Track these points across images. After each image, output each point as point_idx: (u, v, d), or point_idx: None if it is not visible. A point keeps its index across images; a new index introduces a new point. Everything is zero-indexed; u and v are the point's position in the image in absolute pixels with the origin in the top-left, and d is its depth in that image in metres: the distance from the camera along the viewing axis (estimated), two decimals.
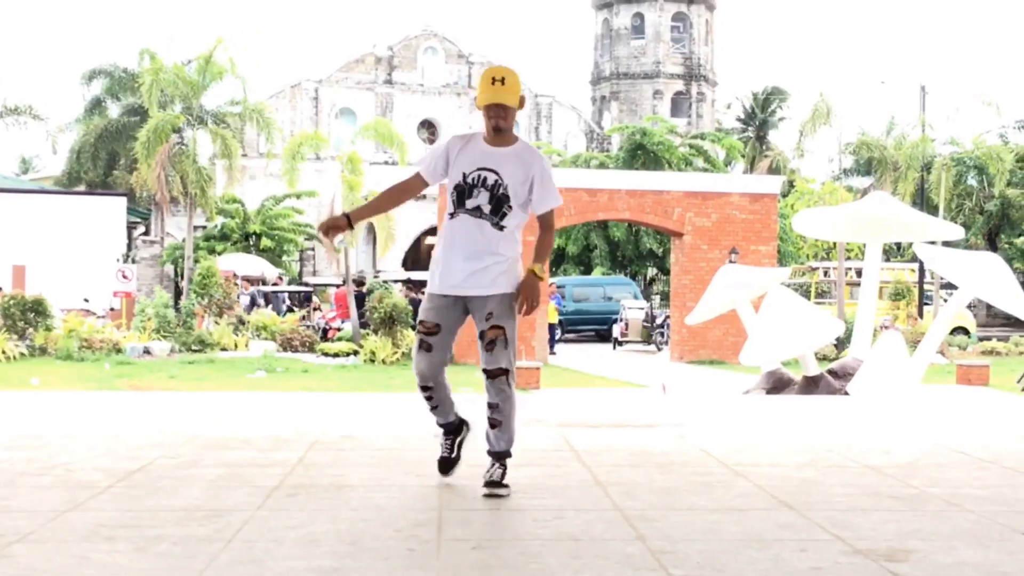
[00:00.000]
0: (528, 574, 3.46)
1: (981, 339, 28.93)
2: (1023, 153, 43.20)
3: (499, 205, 4.64)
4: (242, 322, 24.91)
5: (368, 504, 4.44)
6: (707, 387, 18.34)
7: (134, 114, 42.54)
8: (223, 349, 22.77)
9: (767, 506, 4.55)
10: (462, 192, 4.68)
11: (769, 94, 60.97)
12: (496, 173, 4.65)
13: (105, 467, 5.21)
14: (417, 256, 49.43)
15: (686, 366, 23.48)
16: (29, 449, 5.73)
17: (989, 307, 39.17)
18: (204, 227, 40.48)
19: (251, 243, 40.61)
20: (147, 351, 21.67)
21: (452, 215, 4.71)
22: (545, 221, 4.76)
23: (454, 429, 4.91)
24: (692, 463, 5.62)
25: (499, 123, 4.66)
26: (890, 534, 4.05)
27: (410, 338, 22.22)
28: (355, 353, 22.20)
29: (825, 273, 36.48)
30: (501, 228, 4.64)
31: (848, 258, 32.05)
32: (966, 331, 29.99)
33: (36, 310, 22.02)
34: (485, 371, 4.66)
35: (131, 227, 39.95)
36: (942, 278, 29.67)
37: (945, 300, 27.91)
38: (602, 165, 40.76)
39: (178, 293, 33.48)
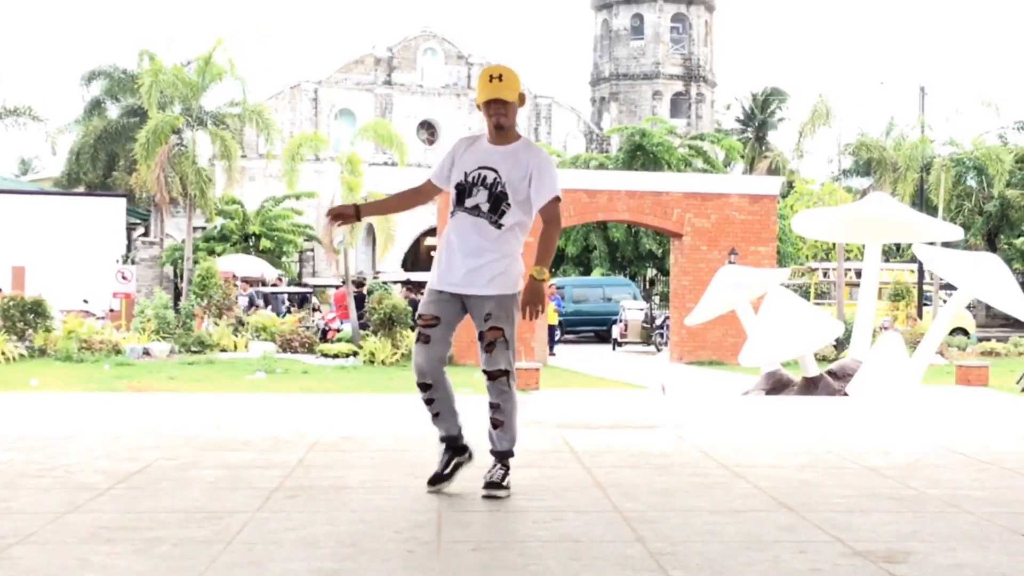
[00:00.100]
0: None
1: (980, 340, 28.95)
2: (1022, 154, 43.23)
3: (497, 203, 4.64)
4: (241, 323, 24.91)
5: (368, 506, 4.45)
6: (706, 388, 18.35)
7: (133, 115, 42.53)
8: (223, 350, 22.78)
9: (766, 507, 4.55)
10: (462, 191, 4.70)
11: (768, 95, 61.00)
12: (495, 171, 4.65)
13: (105, 469, 5.21)
14: (417, 257, 49.44)
15: (685, 367, 23.48)
16: (29, 450, 5.73)
17: (988, 308, 39.20)
18: (203, 228, 40.48)
19: (251, 244, 40.62)
20: (147, 352, 21.67)
21: (452, 214, 4.73)
22: (546, 215, 4.66)
23: (456, 447, 4.79)
24: (691, 464, 5.63)
25: (500, 120, 4.65)
26: (889, 535, 4.05)
27: (410, 339, 22.21)
28: (354, 354, 22.20)
29: (824, 274, 36.48)
30: (499, 226, 4.63)
31: (847, 259, 32.05)
32: (965, 332, 30.00)
33: (36, 311, 22.02)
34: (485, 372, 4.67)
35: (130, 228, 39.96)
36: (941, 279, 29.68)
37: (944, 301, 27.90)
38: (601, 166, 40.76)
39: (177, 294, 33.47)
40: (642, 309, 30.56)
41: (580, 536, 3.99)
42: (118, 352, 21.39)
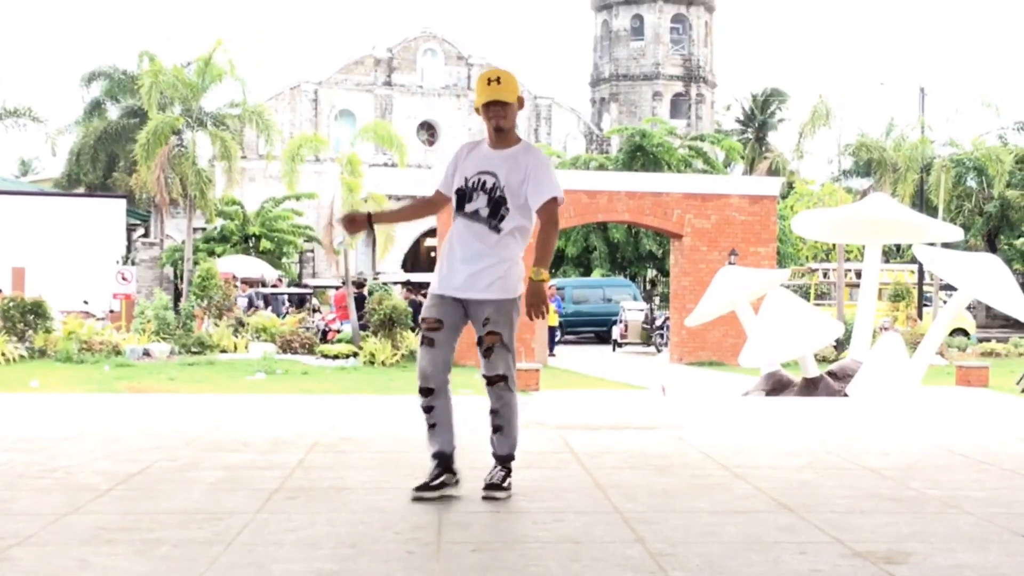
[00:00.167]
0: None
1: (980, 340, 28.95)
2: (1022, 154, 43.23)
3: (497, 208, 4.64)
4: (241, 324, 24.92)
5: (368, 507, 4.45)
6: (706, 389, 18.34)
7: (133, 116, 42.53)
8: (223, 351, 22.78)
9: (766, 508, 4.55)
10: (462, 196, 4.70)
11: (768, 96, 60.99)
12: (495, 175, 4.65)
13: (105, 470, 5.21)
14: (417, 258, 49.44)
15: (685, 367, 23.48)
16: (29, 452, 5.73)
17: (988, 308, 39.20)
18: (204, 229, 40.48)
19: (251, 245, 40.62)
20: (147, 353, 21.66)
21: (454, 219, 4.75)
22: (543, 216, 4.63)
23: (446, 466, 4.65)
24: (692, 465, 5.63)
25: (499, 122, 4.65)
26: (889, 536, 4.05)
27: (410, 340, 22.22)
28: (355, 355, 22.20)
29: (824, 274, 36.49)
30: (499, 231, 4.64)
31: (847, 259, 32.05)
32: (965, 332, 30.00)
33: (36, 312, 22.03)
34: (484, 377, 4.67)
35: (131, 229, 39.95)
36: (941, 279, 29.68)
37: (944, 301, 27.90)
38: (601, 167, 40.75)
39: (178, 295, 33.47)
40: (642, 310, 30.56)
41: (580, 537, 3.99)
42: (118, 353, 21.39)
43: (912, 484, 5.14)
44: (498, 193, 4.64)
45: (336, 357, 22.25)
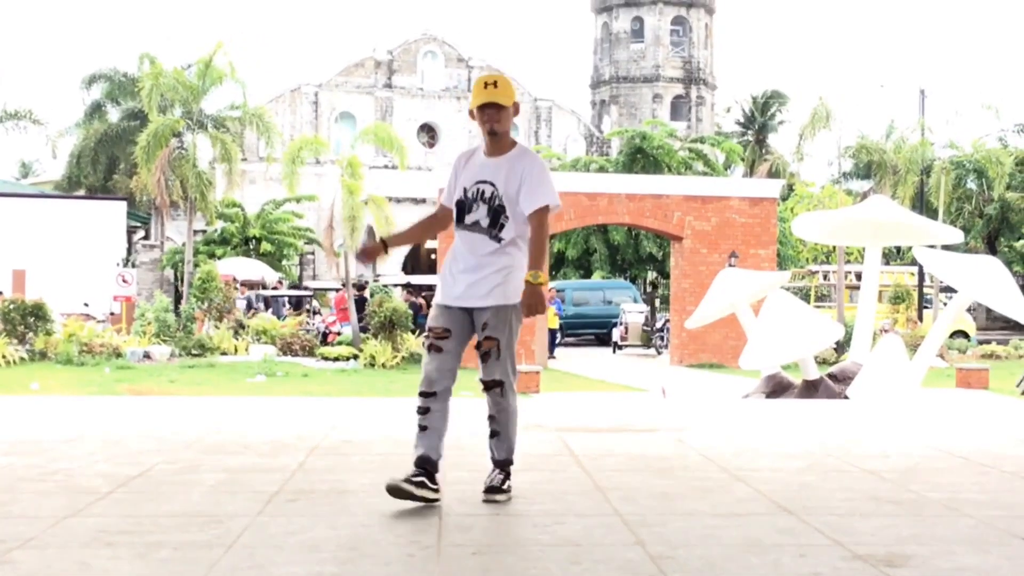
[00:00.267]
0: None
1: (981, 343, 28.95)
2: (1022, 157, 43.23)
3: (496, 217, 4.65)
4: (242, 326, 24.92)
5: (368, 509, 4.45)
6: (707, 391, 18.35)
7: (134, 118, 42.52)
8: (223, 353, 22.78)
9: (767, 511, 4.56)
10: (462, 208, 4.71)
11: (768, 98, 60.97)
12: (492, 184, 4.65)
13: (105, 472, 5.22)
14: (417, 260, 49.42)
15: (686, 370, 23.48)
16: (29, 454, 5.74)
17: (989, 310, 39.16)
18: (204, 231, 40.45)
19: (251, 247, 40.59)
20: (147, 355, 21.67)
21: (455, 231, 4.76)
22: (533, 221, 4.61)
23: (427, 474, 4.51)
24: (692, 468, 5.63)
25: (493, 126, 4.63)
26: (889, 539, 4.06)
27: (410, 342, 22.23)
28: (355, 357, 22.20)
29: (825, 277, 36.49)
30: (499, 240, 4.65)
31: (848, 262, 32.06)
32: (966, 335, 30.01)
33: (36, 314, 22.03)
34: (481, 382, 4.67)
35: (131, 231, 39.98)
36: (941, 282, 29.68)
37: (945, 304, 27.92)
38: (602, 169, 40.71)
39: (178, 297, 33.47)
40: (642, 312, 30.56)
41: (580, 540, 3.99)
42: (118, 355, 21.40)
43: (912, 486, 5.14)
44: (497, 202, 4.64)
45: (336, 359, 22.26)
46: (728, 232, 25.04)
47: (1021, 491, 5.18)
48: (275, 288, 35.07)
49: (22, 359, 20.88)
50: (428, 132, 54.22)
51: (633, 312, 30.25)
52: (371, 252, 4.90)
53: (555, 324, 27.10)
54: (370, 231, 27.82)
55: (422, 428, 4.60)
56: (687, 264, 24.99)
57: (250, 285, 32.96)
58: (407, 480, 4.46)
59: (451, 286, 4.70)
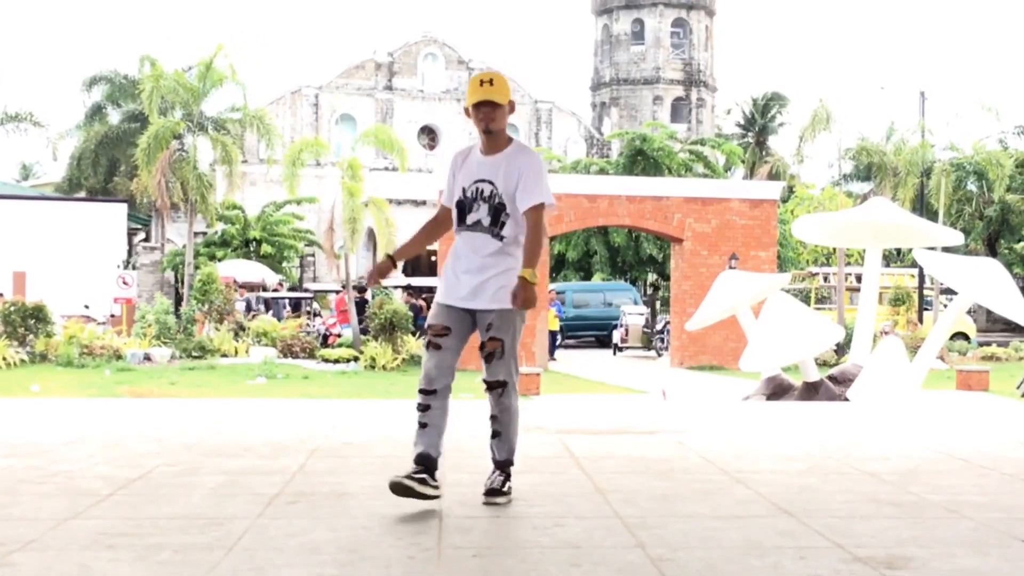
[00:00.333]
0: None
1: (981, 344, 28.94)
2: (1023, 158, 43.24)
3: (497, 215, 4.63)
4: (242, 328, 24.93)
5: (369, 512, 4.45)
6: (707, 393, 18.35)
7: (134, 120, 42.56)
8: (223, 355, 22.79)
9: (767, 513, 4.56)
10: (463, 208, 4.70)
11: (769, 100, 61.00)
12: (491, 183, 4.64)
13: (106, 475, 5.22)
14: (418, 262, 49.35)
15: (686, 372, 23.49)
16: (30, 456, 5.74)
17: (989, 312, 39.17)
18: (204, 233, 40.47)
19: (251, 249, 40.61)
20: (147, 357, 21.68)
21: (456, 232, 4.74)
22: (529, 218, 4.59)
23: (428, 471, 4.51)
24: (692, 470, 5.63)
25: (488, 124, 4.61)
26: (889, 541, 4.06)
27: (411, 344, 22.23)
28: (355, 359, 22.21)
29: (825, 279, 36.49)
30: (501, 238, 4.63)
31: (848, 263, 32.07)
32: (966, 336, 30.01)
33: (37, 317, 22.04)
34: (485, 383, 4.67)
35: (132, 233, 39.99)
36: (942, 283, 29.69)
37: (945, 305, 27.90)
38: (602, 171, 40.75)
39: (178, 299, 33.48)
40: (643, 314, 30.56)
41: (580, 542, 3.99)
42: (119, 357, 21.41)
43: (912, 489, 5.14)
44: (497, 200, 4.63)
45: (337, 361, 22.26)
46: (728, 234, 25.05)
47: (1021, 493, 5.18)
48: (275, 290, 35.08)
49: (22, 361, 20.89)
50: (429, 134, 54.23)
51: (633, 314, 30.25)
52: (382, 270, 4.88)
53: (555, 326, 27.11)
54: (370, 235, 27.84)
55: (422, 425, 4.60)
56: (687, 266, 24.99)
57: (250, 287, 32.98)
58: (409, 476, 4.46)
59: (455, 286, 4.68)
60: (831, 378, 14.95)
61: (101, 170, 45.04)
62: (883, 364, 14.25)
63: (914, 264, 32.46)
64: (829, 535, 4.13)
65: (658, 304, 36.68)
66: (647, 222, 25.65)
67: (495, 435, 4.72)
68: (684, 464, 5.80)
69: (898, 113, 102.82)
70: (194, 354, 22.45)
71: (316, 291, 37.48)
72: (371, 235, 37.42)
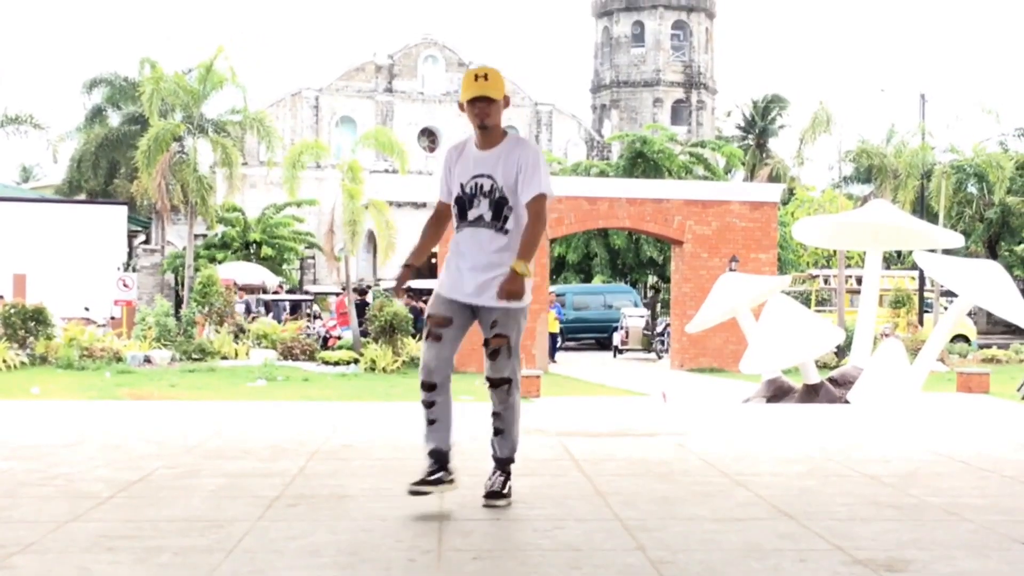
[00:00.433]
0: None
1: (981, 347, 28.93)
2: (1023, 161, 43.25)
3: (499, 209, 4.61)
4: (242, 330, 24.93)
5: (369, 514, 4.45)
6: (707, 395, 18.34)
7: (135, 123, 42.59)
8: (223, 358, 22.78)
9: (767, 516, 4.55)
10: (463, 204, 4.67)
11: (769, 102, 61.04)
12: (491, 177, 4.61)
13: (106, 477, 5.21)
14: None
15: (686, 374, 23.47)
16: (30, 459, 5.73)
17: (989, 315, 39.17)
18: (205, 235, 40.49)
19: (252, 251, 40.62)
20: (148, 360, 21.67)
21: (458, 228, 4.71)
22: (531, 210, 4.57)
23: (442, 463, 4.58)
24: (692, 472, 5.63)
25: (484, 119, 4.57)
26: (889, 544, 4.06)
27: (411, 346, 22.22)
28: (355, 362, 22.20)
29: (825, 281, 36.47)
30: (505, 232, 4.61)
31: (848, 266, 32.06)
32: (966, 339, 29.98)
33: (37, 319, 22.02)
34: (488, 379, 4.65)
35: (132, 236, 40.00)
36: (942, 286, 29.67)
37: (945, 308, 27.91)
38: (602, 173, 40.77)
39: (179, 302, 33.49)
40: (643, 316, 30.55)
41: (581, 544, 3.99)
42: (119, 360, 21.40)
43: (912, 491, 5.14)
44: (498, 194, 4.60)
45: (337, 364, 22.26)
46: (729, 236, 25.04)
47: (1021, 496, 5.18)
48: (276, 292, 35.09)
49: (23, 363, 20.88)
50: (429, 136, 54.27)
51: (634, 316, 30.23)
52: (403, 279, 4.91)
53: (556, 328, 27.09)
54: (371, 237, 27.84)
55: (430, 422, 4.62)
56: (687, 268, 24.98)
57: (250, 290, 32.99)
58: (423, 481, 4.53)
59: (459, 282, 4.65)
60: (831, 380, 14.94)
61: (101, 172, 45.07)
62: (883, 366, 14.24)
63: (914, 266, 32.43)
64: (829, 537, 4.13)
65: (658, 306, 36.68)
66: (647, 224, 25.64)
67: (497, 432, 4.71)
68: (684, 466, 5.80)
69: (898, 115, 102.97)
70: (194, 356, 22.45)
71: (316, 293, 37.50)
72: (371, 237, 37.43)
